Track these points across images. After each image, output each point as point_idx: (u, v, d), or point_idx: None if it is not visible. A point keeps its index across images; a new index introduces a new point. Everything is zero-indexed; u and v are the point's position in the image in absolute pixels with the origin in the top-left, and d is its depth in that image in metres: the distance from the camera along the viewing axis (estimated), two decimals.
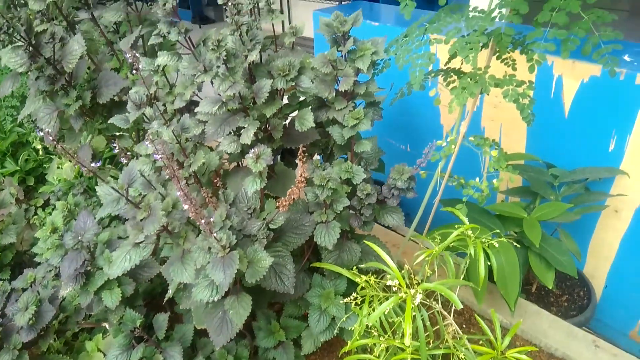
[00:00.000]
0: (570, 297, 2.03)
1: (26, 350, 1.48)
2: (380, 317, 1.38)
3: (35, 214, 2.52)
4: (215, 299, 1.15)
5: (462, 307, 1.20)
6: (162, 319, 1.54)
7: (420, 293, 1.22)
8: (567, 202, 1.82)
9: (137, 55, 1.21)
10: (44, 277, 1.62)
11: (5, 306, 1.55)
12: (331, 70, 1.40)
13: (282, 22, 6.59)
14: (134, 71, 1.29)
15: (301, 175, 1.14)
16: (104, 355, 1.56)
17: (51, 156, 2.68)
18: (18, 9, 1.56)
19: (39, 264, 1.98)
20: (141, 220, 1.10)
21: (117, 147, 1.21)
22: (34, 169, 2.71)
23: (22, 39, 1.48)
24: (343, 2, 6.10)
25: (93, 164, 1.08)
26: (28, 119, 1.67)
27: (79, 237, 1.42)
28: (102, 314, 1.67)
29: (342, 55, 1.46)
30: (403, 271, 1.33)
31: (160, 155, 0.93)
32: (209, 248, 1.13)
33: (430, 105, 2.35)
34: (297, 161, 1.64)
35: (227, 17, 1.51)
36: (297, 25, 1.45)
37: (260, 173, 1.25)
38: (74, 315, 1.59)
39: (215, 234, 1.02)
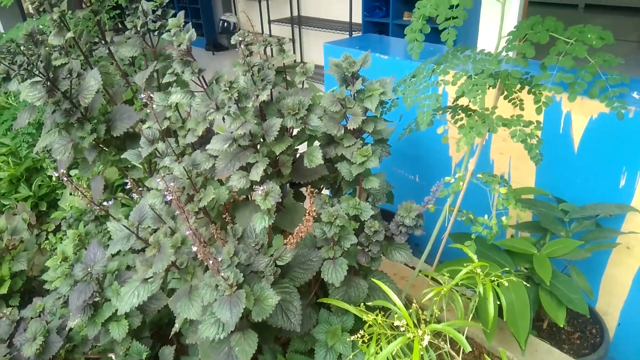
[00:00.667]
0: (582, 335, 1.99)
1: None
2: (387, 358, 1.36)
3: (47, 238, 2.55)
4: (222, 337, 1.15)
5: (470, 350, 1.18)
6: (168, 352, 1.54)
7: (428, 334, 1.21)
8: (577, 239, 1.80)
9: (151, 95, 1.25)
10: (53, 305, 1.64)
11: (13, 336, 1.56)
12: (340, 109, 1.43)
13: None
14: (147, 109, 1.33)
15: (309, 213, 1.15)
16: None
17: (64, 183, 2.73)
18: (37, 45, 1.62)
19: (47, 290, 2.00)
20: (150, 256, 1.11)
21: (129, 182, 1.23)
22: (47, 194, 2.76)
23: (40, 75, 1.53)
24: (353, 34, 6.23)
25: (106, 203, 1.10)
26: (43, 149, 1.70)
27: (89, 269, 1.44)
28: (108, 344, 1.67)
29: (350, 94, 1.49)
30: (411, 310, 1.33)
31: (171, 196, 0.95)
32: (216, 285, 1.14)
33: (439, 138, 2.37)
34: (305, 193, 1.65)
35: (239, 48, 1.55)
36: (308, 66, 1.48)
37: (268, 210, 1.27)
38: (80, 345, 1.60)
39: (222, 273, 1.03)
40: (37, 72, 1.50)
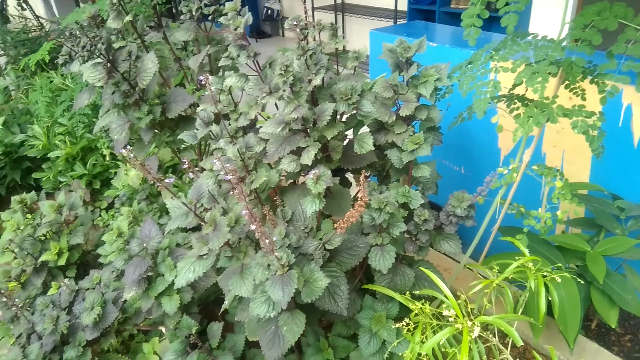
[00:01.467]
0: (634, 337, 1.91)
1: (89, 347, 1.57)
2: (434, 347, 1.35)
3: (99, 215, 2.67)
4: (272, 315, 1.18)
5: (522, 344, 1.16)
6: (216, 328, 1.59)
7: (478, 326, 1.20)
8: (634, 237, 1.72)
9: (209, 77, 1.28)
10: (107, 278, 1.72)
11: (72, 304, 1.65)
12: (392, 95, 1.42)
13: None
14: (205, 91, 1.36)
15: (361, 199, 1.15)
16: (160, 358, 1.62)
17: (117, 162, 2.85)
18: (99, 28, 1.69)
19: (101, 263, 2.10)
20: (206, 234, 1.15)
21: (186, 162, 1.27)
22: (100, 173, 2.89)
23: (101, 56, 1.59)
24: (397, 21, 6.12)
25: (167, 180, 1.15)
26: (101, 129, 1.78)
27: (144, 244, 1.50)
28: (159, 318, 1.75)
29: (402, 80, 1.47)
30: (459, 301, 1.31)
31: (230, 176, 0.98)
32: (268, 265, 1.16)
33: (488, 128, 2.30)
34: (351, 180, 1.65)
35: (282, 32, 1.57)
36: (360, 50, 1.47)
37: (319, 194, 1.28)
38: (133, 317, 1.67)
39: (276, 253, 1.05)
40: (98, 54, 1.56)
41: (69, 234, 2.05)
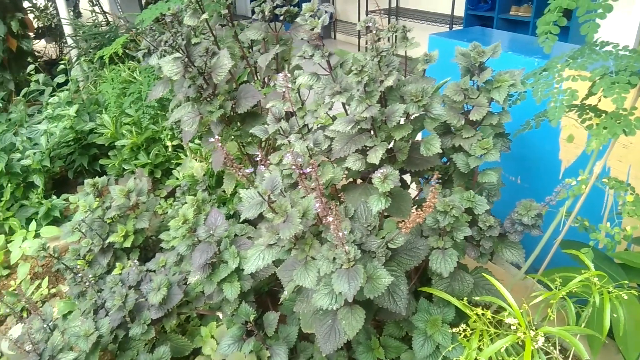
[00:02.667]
0: None
1: (152, 326, 1.66)
2: (492, 355, 1.34)
3: (159, 203, 2.80)
4: (334, 307, 1.21)
5: (587, 357, 1.13)
6: (272, 317, 1.64)
7: (542, 336, 1.18)
8: None
9: (288, 74, 1.33)
10: (172, 262, 1.81)
11: (139, 284, 1.75)
12: (462, 99, 1.42)
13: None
14: (271, 88, 1.41)
15: (430, 200, 1.16)
16: (216, 342, 1.69)
17: (178, 153, 2.98)
18: (180, 24, 1.78)
19: (161, 248, 2.21)
20: (277, 224, 1.20)
21: (259, 155, 1.33)
22: (161, 163, 3.03)
23: (181, 51, 1.68)
24: (453, 27, 6.04)
25: (247, 170, 1.20)
26: (176, 121, 1.87)
27: (211, 231, 1.57)
28: (216, 304, 1.82)
29: (473, 84, 1.47)
30: (522, 310, 1.29)
31: (309, 169, 1.02)
32: (334, 258, 1.20)
33: (549, 138, 2.25)
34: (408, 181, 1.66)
35: (334, 34, 1.60)
36: (432, 54, 1.48)
37: (384, 193, 1.30)
38: (194, 300, 1.75)
39: (345, 247, 1.08)
40: (178, 49, 1.65)
41: (134, 219, 2.16)
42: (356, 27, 1.50)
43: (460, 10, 6.11)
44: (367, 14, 7.19)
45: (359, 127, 1.36)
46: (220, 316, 1.80)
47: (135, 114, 3.02)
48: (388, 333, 1.71)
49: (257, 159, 1.32)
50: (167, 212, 2.71)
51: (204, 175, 2.39)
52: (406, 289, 1.36)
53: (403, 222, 1.25)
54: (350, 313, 1.32)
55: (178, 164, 3.00)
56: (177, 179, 2.89)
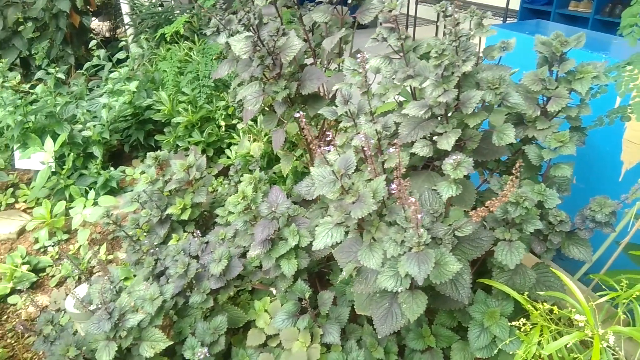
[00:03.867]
0: None
1: (211, 296, 1.71)
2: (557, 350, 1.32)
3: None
4: (399, 290, 1.22)
5: None
6: (327, 297, 1.66)
7: (612, 335, 1.15)
8: None
9: (366, 55, 1.33)
10: (232, 236, 1.86)
11: (198, 257, 1.81)
12: (540, 89, 1.38)
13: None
14: (333, 71, 1.41)
15: (509, 189, 1.14)
16: (270, 316, 1.73)
17: (231, 133, 3.04)
18: (253, 3, 1.81)
19: (215, 222, 2.27)
20: (349, 203, 1.21)
21: (331, 135, 1.34)
22: (214, 142, 3.10)
23: (252, 30, 1.71)
24: (507, 20, 5.85)
25: (326, 148, 1.22)
26: (240, 100, 1.90)
27: (273, 208, 1.60)
28: (269, 279, 1.86)
29: (550, 74, 1.43)
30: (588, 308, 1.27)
31: (393, 149, 1.02)
32: (402, 241, 1.20)
33: (612, 138, 2.16)
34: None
35: (380, 23, 1.59)
36: (510, 41, 1.45)
37: (455, 180, 1.29)
38: (250, 274, 1.80)
39: (420, 230, 1.09)
40: (250, 28, 1.68)
41: (192, 193, 2.23)
42: (405, 17, 1.49)
43: (515, 4, 5.92)
44: (416, 4, 7.06)
45: (431, 112, 1.34)
46: (274, 292, 1.84)
47: (191, 93, 3.10)
48: (440, 322, 1.70)
49: (329, 139, 1.33)
50: (217, 190, 2.77)
51: (264, 154, 2.43)
52: (469, 278, 1.35)
53: (474, 211, 1.23)
54: (412, 297, 1.32)
55: (230, 144, 3.06)
56: (229, 157, 2.95)
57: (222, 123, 3.03)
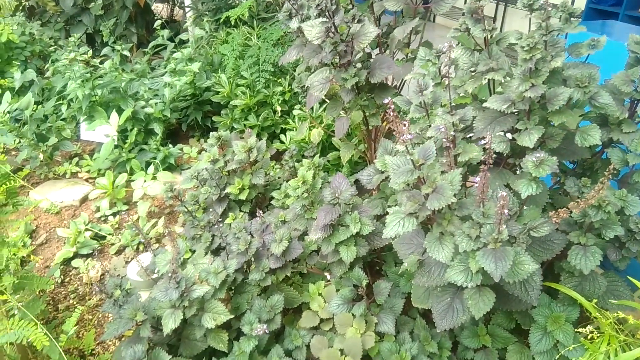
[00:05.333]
0: None
1: (269, 275, 1.75)
2: None
3: None
4: (470, 285, 1.21)
5: None
6: (384, 286, 1.67)
7: None
8: None
9: (453, 45, 1.31)
10: (291, 219, 1.88)
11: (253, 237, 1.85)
12: (630, 90, 1.32)
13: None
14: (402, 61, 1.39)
15: (597, 191, 1.10)
16: (324, 300, 1.75)
17: (286, 118, 3.07)
18: None
19: (269, 204, 2.31)
20: (424, 194, 1.20)
21: (406, 124, 1.33)
22: (269, 126, 3.14)
23: (327, 16, 1.71)
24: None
25: (408, 136, 1.21)
26: (305, 85, 1.91)
27: (337, 194, 1.61)
28: (323, 264, 1.88)
29: None
30: None
31: (484, 140, 1.00)
32: (477, 236, 1.18)
33: None
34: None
35: (434, 17, 1.53)
36: (600, 39, 1.38)
37: (535, 179, 1.26)
38: (307, 257, 1.82)
39: (502, 226, 1.07)
40: (326, 13, 1.68)
41: (250, 174, 2.27)
42: (457, 10, 1.44)
43: (580, 3, 5.65)
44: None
45: (514, 107, 1.31)
46: (328, 276, 1.86)
47: (250, 77, 3.14)
48: (497, 322, 1.67)
49: (405, 127, 1.32)
50: (269, 174, 2.81)
51: (324, 140, 2.45)
52: (540, 280, 1.31)
53: (554, 212, 1.20)
54: (479, 294, 1.30)
55: (284, 129, 3.09)
56: (283, 142, 2.99)
57: (278, 108, 3.06)
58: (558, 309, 1.49)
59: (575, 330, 1.41)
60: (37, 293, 1.81)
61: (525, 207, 1.44)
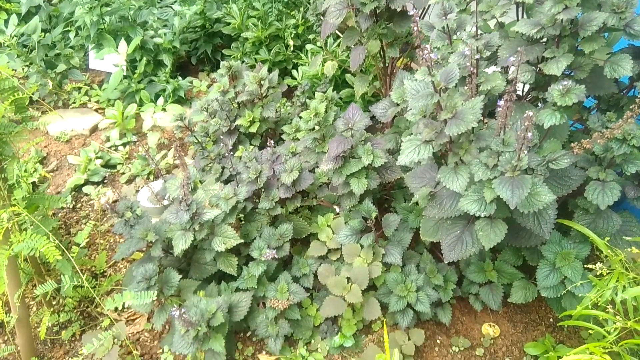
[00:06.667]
0: None
1: (278, 204, 1.75)
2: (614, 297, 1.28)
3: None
4: (483, 215, 1.19)
5: None
6: (393, 219, 1.66)
7: None
8: None
9: None
10: (302, 152, 1.86)
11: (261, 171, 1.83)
12: None
13: None
14: None
15: (624, 122, 1.06)
16: (332, 232, 1.76)
17: (299, 54, 2.97)
18: None
19: (279, 139, 2.28)
20: (441, 121, 1.16)
21: (428, 49, 1.26)
22: (280, 62, 3.05)
23: None
24: None
25: (432, 56, 1.15)
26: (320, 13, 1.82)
27: (350, 125, 1.57)
28: (333, 197, 1.88)
29: None
30: None
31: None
32: (494, 165, 1.15)
33: None
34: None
35: None
36: None
37: (560, 108, 1.20)
38: (317, 190, 1.81)
39: (523, 152, 1.03)
40: None
41: (261, 107, 2.23)
42: None
43: None
44: None
45: (544, 32, 1.23)
46: (337, 209, 1.85)
47: (262, 9, 3.01)
48: (504, 259, 1.68)
49: (427, 52, 1.25)
50: (280, 110, 2.76)
51: (338, 73, 2.37)
52: (554, 214, 1.29)
53: (577, 144, 1.16)
54: (490, 225, 1.29)
55: (296, 65, 3.00)
56: (294, 78, 2.91)
57: (291, 42, 2.95)
58: (568, 246, 1.48)
59: (585, 267, 1.41)
60: (49, 213, 1.83)
61: (544, 142, 1.40)
